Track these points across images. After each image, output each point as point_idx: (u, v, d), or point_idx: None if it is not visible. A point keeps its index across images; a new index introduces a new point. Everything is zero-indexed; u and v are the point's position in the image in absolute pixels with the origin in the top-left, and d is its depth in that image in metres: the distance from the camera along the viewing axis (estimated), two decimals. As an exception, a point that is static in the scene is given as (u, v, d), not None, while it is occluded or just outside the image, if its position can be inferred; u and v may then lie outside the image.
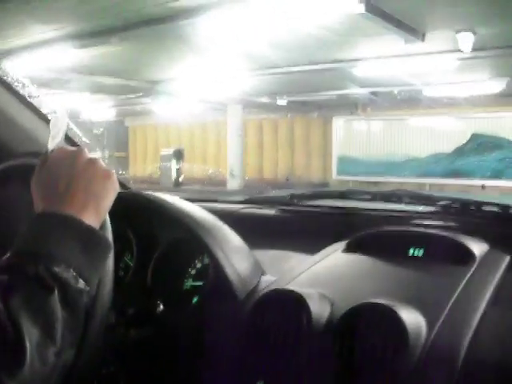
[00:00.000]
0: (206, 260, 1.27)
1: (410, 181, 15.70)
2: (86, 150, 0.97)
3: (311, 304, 1.04)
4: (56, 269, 0.79)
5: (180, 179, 16.46)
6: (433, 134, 16.36)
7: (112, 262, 0.96)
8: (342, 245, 1.40)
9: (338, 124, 17.96)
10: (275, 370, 1.04)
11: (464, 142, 15.90)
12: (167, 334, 1.19)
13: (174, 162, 16.32)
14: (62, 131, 1.00)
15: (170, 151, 16.70)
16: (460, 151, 16.02)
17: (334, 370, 0.98)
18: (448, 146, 16.09)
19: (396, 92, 12.79)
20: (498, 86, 11.14)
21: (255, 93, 13.48)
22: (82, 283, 0.82)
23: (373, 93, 13.48)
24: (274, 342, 1.03)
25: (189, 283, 1.30)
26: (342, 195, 1.83)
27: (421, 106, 14.08)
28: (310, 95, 14.28)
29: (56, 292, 0.78)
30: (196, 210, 1.34)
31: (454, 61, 8.81)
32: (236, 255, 1.25)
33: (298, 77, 10.88)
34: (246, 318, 1.08)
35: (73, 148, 0.97)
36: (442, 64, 8.94)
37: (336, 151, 18.07)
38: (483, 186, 14.42)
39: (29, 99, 1.42)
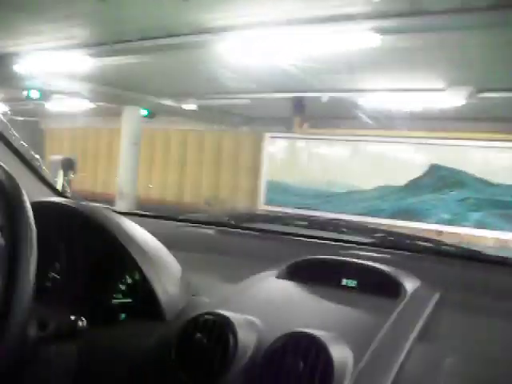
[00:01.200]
0: (137, 277, 1.24)
1: (349, 218, 11.99)
2: None
3: (239, 329, 1.02)
4: None
5: (67, 190, 15.45)
6: (382, 161, 13.05)
7: (33, 270, 0.92)
8: (276, 270, 1.40)
9: (270, 142, 14.86)
10: None
11: (420, 173, 12.69)
12: (90, 351, 1.15)
13: (61, 171, 15.07)
14: None
15: (59, 159, 15.49)
16: (414, 185, 12.73)
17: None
18: (400, 178, 12.95)
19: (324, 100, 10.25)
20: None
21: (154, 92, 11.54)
22: None
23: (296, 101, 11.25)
24: (199, 366, 1.01)
25: (117, 299, 1.27)
26: (280, 220, 1.83)
27: (369, 126, 11.51)
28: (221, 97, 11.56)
29: None
30: (129, 225, 1.31)
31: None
32: (167, 274, 1.23)
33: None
34: (172, 340, 1.05)
35: None
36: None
37: (265, 175, 14.79)
38: (440, 232, 11.42)
39: None
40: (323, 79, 8.87)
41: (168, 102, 12.19)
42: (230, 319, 1.03)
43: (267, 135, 14.61)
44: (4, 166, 0.97)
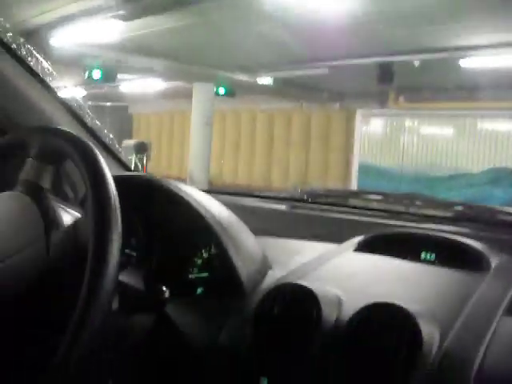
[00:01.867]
0: (213, 251, 1.25)
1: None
2: None
3: (322, 300, 1.01)
4: None
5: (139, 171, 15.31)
6: (495, 139, 11.34)
7: (119, 245, 0.92)
8: (353, 244, 1.38)
9: (362, 120, 13.26)
10: (280, 367, 1.01)
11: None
12: (169, 323, 1.16)
13: (134, 156, 14.82)
14: None
15: (131, 143, 15.37)
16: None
17: (342, 369, 0.95)
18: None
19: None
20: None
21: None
22: None
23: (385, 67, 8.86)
24: (280, 337, 1.00)
25: (194, 273, 1.28)
26: (356, 195, 1.80)
27: (478, 97, 9.71)
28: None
29: None
30: (207, 200, 1.31)
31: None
32: (245, 248, 1.22)
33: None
34: (251, 312, 1.05)
35: None
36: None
37: (357, 157, 13.29)
38: None
39: (42, 76, 1.41)
40: (415, 34, 7.34)
41: (241, 77, 11.09)
42: (312, 290, 1.02)
43: (359, 112, 13.23)
44: (86, 140, 0.99)
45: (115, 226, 0.91)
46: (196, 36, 8.02)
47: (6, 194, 1.04)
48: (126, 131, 17.09)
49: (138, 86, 13.49)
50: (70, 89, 1.58)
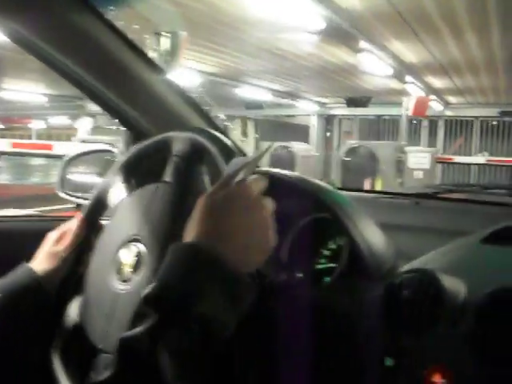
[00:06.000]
0: (340, 242, 1.29)
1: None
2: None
3: (446, 283, 1.04)
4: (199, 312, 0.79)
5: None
6: None
7: None
8: (478, 236, 1.38)
9: None
10: (407, 347, 1.05)
11: None
12: (296, 309, 1.22)
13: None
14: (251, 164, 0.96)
15: None
16: None
17: (467, 350, 0.98)
18: None
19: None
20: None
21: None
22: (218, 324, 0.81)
23: None
24: (408, 318, 1.05)
25: (322, 264, 1.33)
26: (483, 188, 1.79)
27: None
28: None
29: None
30: (336, 192, 1.36)
31: None
32: (373, 239, 1.26)
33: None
34: (381, 296, 1.10)
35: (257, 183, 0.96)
36: None
37: None
38: None
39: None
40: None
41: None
42: (436, 273, 1.06)
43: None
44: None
45: None
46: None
47: (153, 185, 1.18)
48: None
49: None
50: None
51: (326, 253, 1.33)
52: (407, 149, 12.14)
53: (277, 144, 12.98)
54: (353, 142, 12.88)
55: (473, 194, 1.84)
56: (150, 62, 1.52)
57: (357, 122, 16.88)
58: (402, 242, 1.43)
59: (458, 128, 15.85)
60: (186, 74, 10.23)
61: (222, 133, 1.62)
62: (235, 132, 16.33)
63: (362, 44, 8.13)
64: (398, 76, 10.68)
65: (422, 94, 12.36)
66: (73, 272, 1.34)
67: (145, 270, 1.11)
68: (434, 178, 12.58)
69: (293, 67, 10.89)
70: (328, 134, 16.77)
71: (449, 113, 15.45)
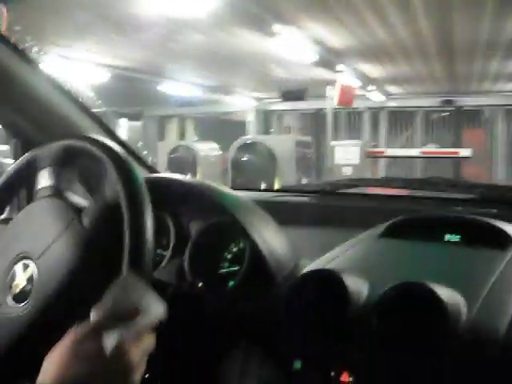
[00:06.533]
0: (242, 244, 1.28)
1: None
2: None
3: (349, 282, 1.04)
4: None
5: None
6: None
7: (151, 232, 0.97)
8: (377, 230, 1.40)
9: None
10: (313, 349, 1.05)
11: None
12: (205, 315, 1.20)
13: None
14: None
15: None
16: None
17: (373, 347, 0.98)
18: None
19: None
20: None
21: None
22: None
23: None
24: (311, 320, 1.04)
25: (225, 268, 1.31)
26: (378, 182, 1.82)
27: None
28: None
29: None
30: (233, 194, 1.35)
31: None
32: (273, 239, 1.26)
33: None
34: (283, 298, 1.09)
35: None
36: None
37: None
38: None
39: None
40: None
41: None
42: (338, 273, 1.06)
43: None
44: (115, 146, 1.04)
45: (148, 217, 0.97)
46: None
47: (36, 202, 1.12)
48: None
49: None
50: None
51: (229, 256, 1.32)
52: (333, 143, 11.15)
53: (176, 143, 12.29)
54: (246, 138, 12.07)
55: (366, 188, 1.87)
56: (26, 59, 1.42)
57: (298, 117, 15.65)
58: (303, 239, 1.44)
59: (402, 120, 14.58)
60: (89, 69, 9.39)
61: (113, 136, 1.57)
62: (171, 134, 15.21)
63: (276, 27, 7.29)
64: (327, 64, 9.80)
65: (358, 83, 11.29)
66: None
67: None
68: (367, 174, 11.40)
69: (214, 59, 9.86)
70: (272, 130, 15.24)
71: (392, 104, 14.20)
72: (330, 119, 11.11)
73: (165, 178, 1.46)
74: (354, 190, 1.87)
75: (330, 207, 1.77)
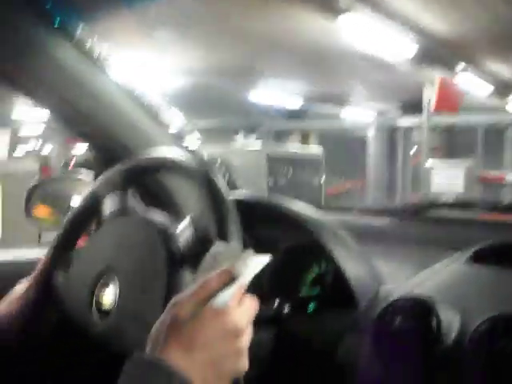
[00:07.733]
0: (324, 266, 1.26)
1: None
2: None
3: (440, 311, 1.01)
4: None
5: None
6: None
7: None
8: (463, 255, 1.36)
9: None
10: (401, 378, 1.01)
11: None
12: (288, 339, 1.19)
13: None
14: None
15: None
16: None
17: (468, 380, 0.94)
18: None
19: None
20: None
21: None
22: None
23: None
24: (400, 348, 1.01)
25: (305, 290, 1.30)
26: (461, 205, 1.77)
27: None
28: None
29: None
30: (316, 216, 1.33)
31: None
32: (357, 262, 1.24)
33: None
34: (369, 326, 1.06)
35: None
36: None
37: None
38: None
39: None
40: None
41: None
42: (429, 301, 1.03)
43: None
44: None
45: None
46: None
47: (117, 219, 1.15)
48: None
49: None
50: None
51: (310, 278, 1.30)
52: (430, 163, 8.54)
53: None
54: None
55: (447, 211, 1.82)
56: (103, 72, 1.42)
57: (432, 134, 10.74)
58: (387, 262, 1.41)
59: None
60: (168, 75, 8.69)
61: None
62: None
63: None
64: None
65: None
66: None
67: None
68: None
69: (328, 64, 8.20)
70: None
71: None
72: (425, 134, 9.27)
73: (250, 197, 1.45)
74: (434, 214, 1.82)
75: (410, 230, 1.73)
